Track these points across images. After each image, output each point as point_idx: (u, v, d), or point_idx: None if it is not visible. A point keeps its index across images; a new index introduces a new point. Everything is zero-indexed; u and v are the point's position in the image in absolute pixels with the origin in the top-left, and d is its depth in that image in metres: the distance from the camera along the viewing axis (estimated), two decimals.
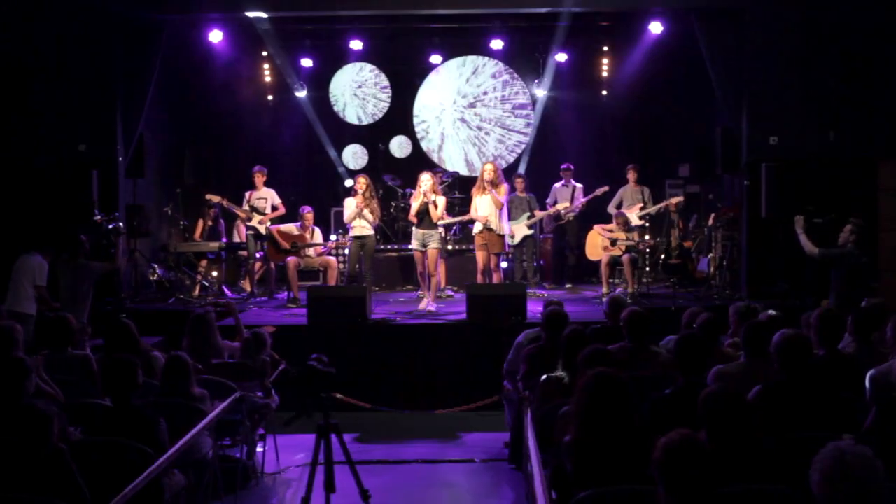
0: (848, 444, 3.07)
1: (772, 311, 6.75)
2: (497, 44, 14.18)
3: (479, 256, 11.01)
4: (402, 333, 9.64)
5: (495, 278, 11.00)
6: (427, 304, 10.68)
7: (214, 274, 13.30)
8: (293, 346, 9.43)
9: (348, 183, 14.96)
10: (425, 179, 10.71)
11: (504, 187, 10.96)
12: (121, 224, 9.58)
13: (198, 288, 12.33)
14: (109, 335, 6.71)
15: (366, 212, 10.71)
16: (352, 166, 15.18)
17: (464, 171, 14.94)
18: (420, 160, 15.03)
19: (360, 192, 10.75)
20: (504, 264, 13.31)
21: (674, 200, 12.38)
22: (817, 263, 9.29)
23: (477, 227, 10.95)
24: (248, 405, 7.09)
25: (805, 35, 11.22)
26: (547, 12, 12.47)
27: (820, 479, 3.02)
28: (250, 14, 11.78)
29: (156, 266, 12.49)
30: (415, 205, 10.72)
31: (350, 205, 10.81)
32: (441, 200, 10.85)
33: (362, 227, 10.76)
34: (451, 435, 8.51)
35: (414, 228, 10.87)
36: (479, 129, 15.40)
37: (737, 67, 11.52)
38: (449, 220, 12.14)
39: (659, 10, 12.53)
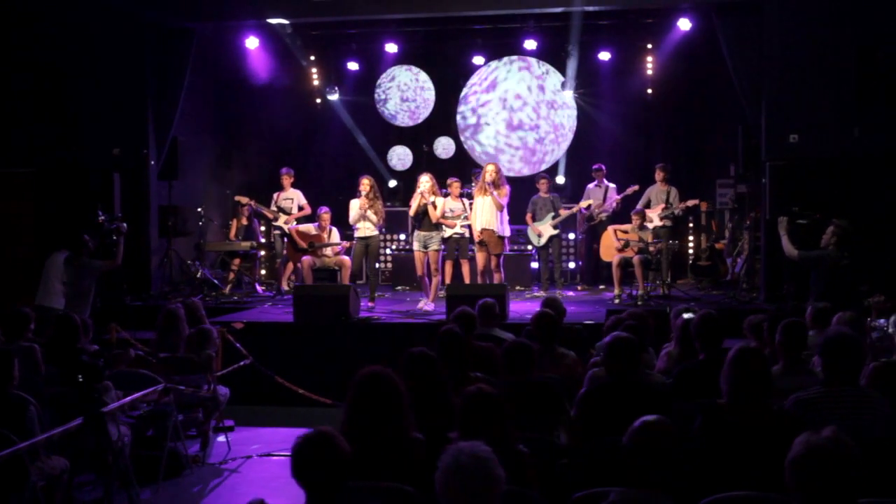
0: (468, 445, 3.07)
1: (689, 314, 6.57)
2: (531, 44, 14.14)
3: (479, 258, 11.07)
4: (382, 332, 9.80)
5: (496, 279, 11.03)
6: (425, 304, 10.82)
7: (263, 272, 13.89)
8: (279, 343, 9.83)
9: (392, 184, 15.28)
10: (424, 181, 10.85)
11: (506, 189, 10.98)
12: (124, 225, 10.07)
13: (229, 285, 12.84)
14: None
15: (369, 213, 10.90)
16: (397, 167, 15.44)
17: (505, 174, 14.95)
18: (463, 161, 15.17)
19: (364, 193, 10.95)
20: (535, 265, 13.31)
21: (691, 203, 12.06)
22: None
23: (476, 229, 11.02)
24: (185, 398, 7.43)
25: (825, 29, 10.76)
26: (573, 11, 12.35)
27: (438, 477, 3.04)
28: (272, 21, 12.17)
29: (198, 264, 13.06)
30: (413, 205, 10.87)
31: (354, 206, 11.02)
32: (440, 202, 10.95)
33: (366, 227, 10.96)
34: None
35: (415, 230, 11.02)
36: (519, 129, 15.39)
37: (756, 63, 11.17)
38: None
39: (685, 5, 12.27)
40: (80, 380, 5.30)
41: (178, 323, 8.03)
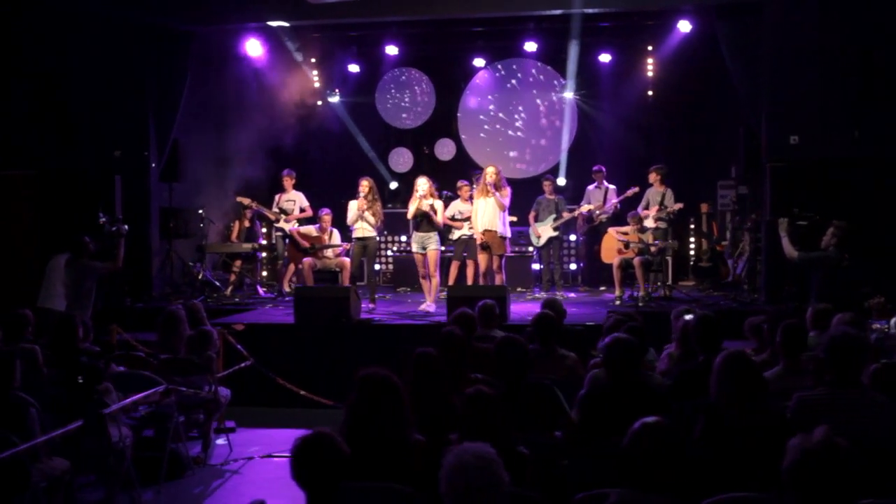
0: (472, 446, 3.09)
1: (690, 316, 6.57)
2: (534, 46, 14.13)
3: (481, 259, 11.07)
4: (383, 334, 9.80)
5: (497, 280, 11.03)
6: (427, 305, 10.83)
7: (265, 273, 13.89)
8: (280, 345, 9.82)
9: (393, 185, 15.29)
10: (421, 183, 10.87)
11: (507, 190, 11.00)
12: (124, 227, 10.06)
13: (231, 287, 12.85)
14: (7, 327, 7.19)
15: (367, 214, 10.89)
16: (397, 169, 15.46)
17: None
18: (464, 163, 15.18)
19: (363, 194, 10.95)
20: (536, 266, 13.32)
21: (676, 206, 12.03)
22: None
23: (477, 231, 11.03)
24: (186, 399, 7.42)
25: (825, 30, 10.75)
26: (573, 13, 12.35)
27: (442, 477, 3.06)
28: (273, 23, 12.16)
29: (199, 266, 13.08)
30: (412, 207, 10.88)
31: (353, 207, 11.03)
32: (438, 204, 10.96)
33: (364, 228, 10.95)
34: None
35: (413, 232, 11.03)
36: (520, 131, 15.40)
37: (756, 65, 11.18)
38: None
39: (686, 7, 12.27)
40: (81, 381, 5.28)
41: (179, 324, 8.02)
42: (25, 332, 7.27)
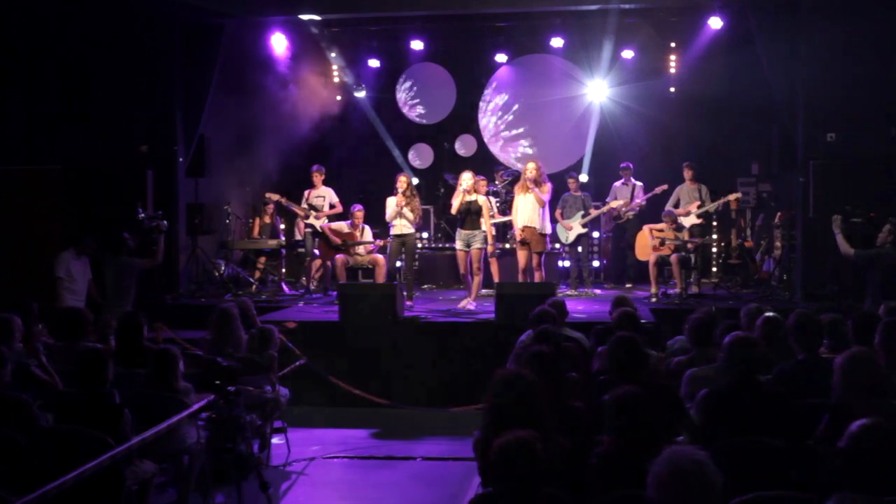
0: (686, 450, 3.01)
1: (770, 313, 6.52)
2: (557, 42, 14.05)
3: (521, 255, 10.99)
4: (430, 331, 9.68)
5: (537, 277, 10.94)
6: (468, 303, 10.73)
7: (284, 270, 13.73)
8: (325, 342, 9.69)
9: (414, 181, 15.13)
10: (466, 178, 10.73)
11: (547, 186, 10.92)
12: (164, 222, 9.91)
13: (255, 284, 12.70)
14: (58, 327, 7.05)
15: (406, 210, 10.79)
16: (417, 165, 15.35)
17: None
18: (486, 159, 15.09)
19: (401, 191, 10.84)
20: (567, 263, 13.23)
21: (732, 196, 12.03)
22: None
23: (517, 227, 10.95)
24: (252, 399, 7.29)
25: (863, 28, 10.76)
26: (598, 9, 12.28)
27: (654, 482, 2.98)
28: (304, 17, 12.02)
29: (221, 262, 12.92)
30: (455, 203, 10.77)
31: (391, 204, 10.92)
32: (482, 199, 10.85)
33: (403, 225, 10.84)
34: (469, 433, 8.51)
35: (458, 229, 10.91)
36: (542, 127, 15.32)
37: (792, 62, 11.15)
38: (499, 218, 12.19)
39: (717, 3, 12.22)
40: (217, 384, 5.16)
41: (234, 322, 7.84)
42: (87, 330, 7.11)
